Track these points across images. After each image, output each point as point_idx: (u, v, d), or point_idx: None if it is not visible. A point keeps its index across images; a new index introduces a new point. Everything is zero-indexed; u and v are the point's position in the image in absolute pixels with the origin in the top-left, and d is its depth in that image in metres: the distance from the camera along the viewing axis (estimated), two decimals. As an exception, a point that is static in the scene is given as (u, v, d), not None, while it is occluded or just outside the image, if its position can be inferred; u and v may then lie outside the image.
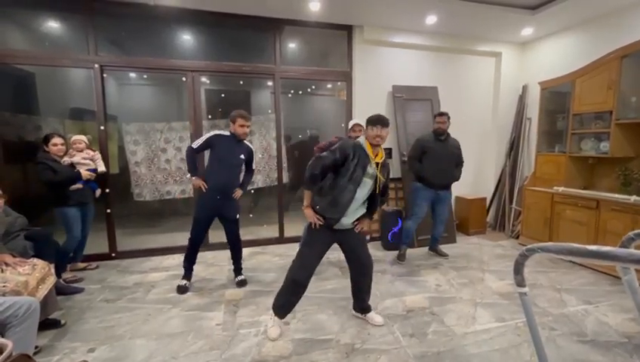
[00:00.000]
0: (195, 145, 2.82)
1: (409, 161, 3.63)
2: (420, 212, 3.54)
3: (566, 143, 3.79)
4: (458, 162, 3.56)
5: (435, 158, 3.42)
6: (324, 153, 2.11)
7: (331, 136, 3.42)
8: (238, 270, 3.08)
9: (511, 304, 2.63)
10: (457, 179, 3.58)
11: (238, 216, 3.00)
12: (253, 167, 3.10)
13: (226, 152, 2.82)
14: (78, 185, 3.04)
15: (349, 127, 3.25)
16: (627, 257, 0.85)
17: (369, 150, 2.12)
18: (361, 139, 2.18)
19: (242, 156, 2.90)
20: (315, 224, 2.16)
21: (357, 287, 2.40)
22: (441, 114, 3.46)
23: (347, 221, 2.19)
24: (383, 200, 2.42)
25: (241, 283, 3.00)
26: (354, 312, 2.47)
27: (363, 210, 2.26)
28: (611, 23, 3.62)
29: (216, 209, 2.88)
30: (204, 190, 2.82)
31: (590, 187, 3.76)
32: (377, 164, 2.14)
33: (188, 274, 2.96)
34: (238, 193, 2.94)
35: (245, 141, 2.96)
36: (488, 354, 2.04)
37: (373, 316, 2.40)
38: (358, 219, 2.26)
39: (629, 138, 3.33)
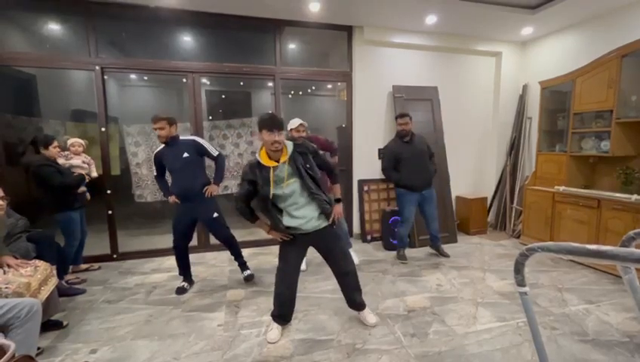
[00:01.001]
0: (154, 171, 2.88)
1: (385, 173, 3.59)
2: (410, 216, 3.54)
3: (567, 142, 3.79)
4: (430, 155, 3.54)
5: (408, 162, 3.41)
6: (237, 191, 2.07)
7: (333, 136, 3.44)
8: (242, 265, 3.08)
9: (512, 303, 2.63)
10: (434, 173, 3.55)
11: (215, 214, 2.90)
12: (214, 153, 2.89)
13: (170, 161, 2.78)
14: (83, 188, 3.11)
15: (293, 127, 3.11)
16: (627, 256, 0.85)
17: (265, 160, 1.98)
18: (257, 152, 2.06)
19: (186, 154, 2.74)
20: (281, 239, 2.14)
21: (342, 286, 2.36)
22: (403, 115, 3.43)
23: (310, 224, 2.07)
24: (335, 175, 2.29)
25: (249, 278, 3.01)
26: (350, 308, 2.46)
27: (317, 204, 2.06)
28: (611, 22, 3.62)
29: (188, 214, 2.85)
30: (178, 202, 2.81)
31: (591, 186, 3.76)
32: (284, 163, 1.98)
33: (185, 276, 2.98)
34: (212, 189, 2.85)
35: (183, 137, 2.84)
36: (489, 353, 2.04)
37: (366, 315, 2.37)
38: (323, 213, 2.09)
39: (630, 137, 3.32)
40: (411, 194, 3.47)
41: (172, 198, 2.82)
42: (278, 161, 2.00)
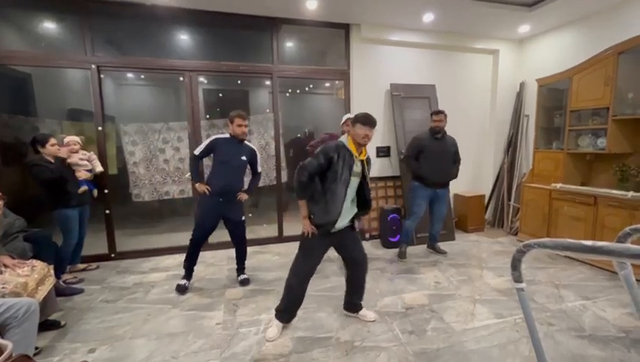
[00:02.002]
0: (197, 151, 2.82)
1: (405, 160, 3.63)
2: (420, 211, 3.55)
3: (563, 140, 3.81)
4: (455, 160, 3.56)
5: (432, 157, 3.42)
6: (308, 160, 2.07)
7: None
8: (241, 269, 3.10)
9: (510, 300, 2.64)
10: (455, 177, 3.58)
11: (243, 217, 2.99)
12: (259, 169, 3.05)
13: (226, 154, 2.82)
14: (84, 188, 3.08)
15: (343, 120, 3.21)
16: (623, 252, 0.86)
17: (353, 149, 2.09)
18: (344, 138, 2.14)
19: (244, 157, 2.87)
20: (309, 234, 2.13)
21: (354, 285, 2.40)
22: (438, 112, 3.46)
23: (342, 223, 2.17)
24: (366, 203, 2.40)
25: (244, 282, 3.02)
26: (345, 312, 2.46)
27: (355, 209, 2.24)
28: (608, 19, 3.63)
29: (220, 212, 2.87)
30: (207, 193, 2.80)
31: (588, 183, 3.78)
32: (362, 161, 2.13)
33: (188, 274, 2.96)
34: (243, 196, 2.93)
35: (247, 142, 2.95)
36: (487, 350, 2.05)
37: (366, 313, 2.41)
38: (353, 218, 2.26)
39: (626, 134, 3.34)
40: (425, 189, 3.47)
41: (203, 186, 2.81)
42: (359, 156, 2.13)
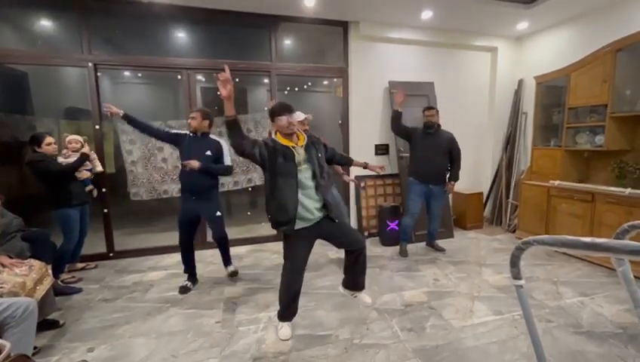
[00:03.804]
0: (173, 130, 2.82)
1: (393, 125, 3.50)
2: (414, 208, 3.56)
3: (561, 137, 3.81)
4: (453, 158, 3.51)
5: (420, 150, 3.47)
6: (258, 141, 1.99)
7: (329, 133, 3.42)
8: (227, 261, 3.09)
9: (508, 297, 2.65)
10: (455, 177, 3.54)
11: (219, 213, 2.91)
12: (228, 162, 2.89)
13: (187, 151, 2.73)
14: (90, 186, 3.15)
15: (299, 119, 3.03)
16: (621, 248, 0.86)
17: (284, 141, 2.04)
18: (273, 134, 2.09)
19: (208, 152, 2.74)
20: (290, 236, 2.10)
21: (351, 264, 2.33)
22: (430, 108, 3.50)
23: (311, 214, 2.08)
24: (347, 160, 2.52)
25: (233, 274, 3.03)
26: (342, 289, 2.46)
27: (321, 196, 2.11)
28: (606, 16, 3.63)
29: (194, 209, 2.84)
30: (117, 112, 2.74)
31: (586, 180, 3.79)
32: (303, 147, 2.07)
33: (190, 276, 2.95)
34: (194, 164, 2.63)
35: (212, 136, 2.85)
36: (486, 346, 2.06)
37: (364, 296, 2.42)
38: (325, 206, 2.13)
39: (624, 131, 3.35)
40: (418, 185, 3.49)
41: (112, 108, 2.75)
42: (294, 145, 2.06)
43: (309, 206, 2.07)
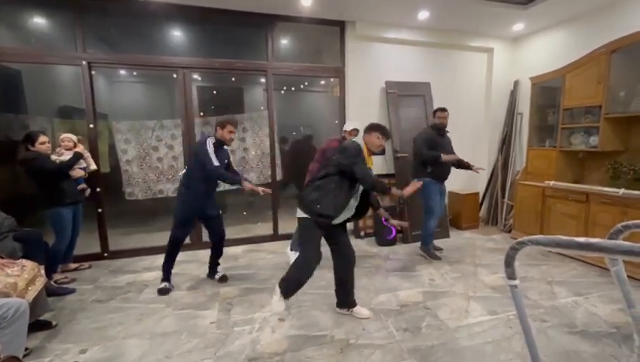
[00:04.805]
0: (216, 161, 2.68)
1: (424, 152, 3.41)
2: (436, 207, 3.53)
3: (556, 138, 3.84)
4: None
5: (439, 151, 3.41)
6: (360, 170, 2.13)
7: (326, 133, 3.42)
8: (216, 266, 3.09)
9: (503, 297, 2.66)
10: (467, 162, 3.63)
11: (220, 211, 3.02)
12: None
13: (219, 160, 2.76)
14: (83, 185, 3.12)
15: (348, 129, 3.28)
16: (615, 248, 0.86)
17: (366, 155, 2.24)
18: (360, 143, 2.25)
19: (226, 161, 2.89)
20: (314, 224, 2.17)
21: (343, 280, 2.39)
22: (443, 109, 3.48)
23: (342, 217, 2.25)
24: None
25: (223, 279, 3.03)
26: (338, 310, 2.45)
27: (353, 210, 2.31)
28: (601, 18, 3.65)
29: (202, 208, 2.87)
30: (261, 193, 2.70)
31: (580, 181, 3.81)
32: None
33: (167, 275, 2.90)
34: (248, 185, 2.71)
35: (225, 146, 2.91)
36: (481, 346, 2.06)
37: (360, 309, 2.41)
38: (349, 219, 2.35)
39: (618, 132, 3.38)
40: (436, 184, 3.51)
41: (250, 185, 2.70)
42: None
43: (347, 212, 2.26)
